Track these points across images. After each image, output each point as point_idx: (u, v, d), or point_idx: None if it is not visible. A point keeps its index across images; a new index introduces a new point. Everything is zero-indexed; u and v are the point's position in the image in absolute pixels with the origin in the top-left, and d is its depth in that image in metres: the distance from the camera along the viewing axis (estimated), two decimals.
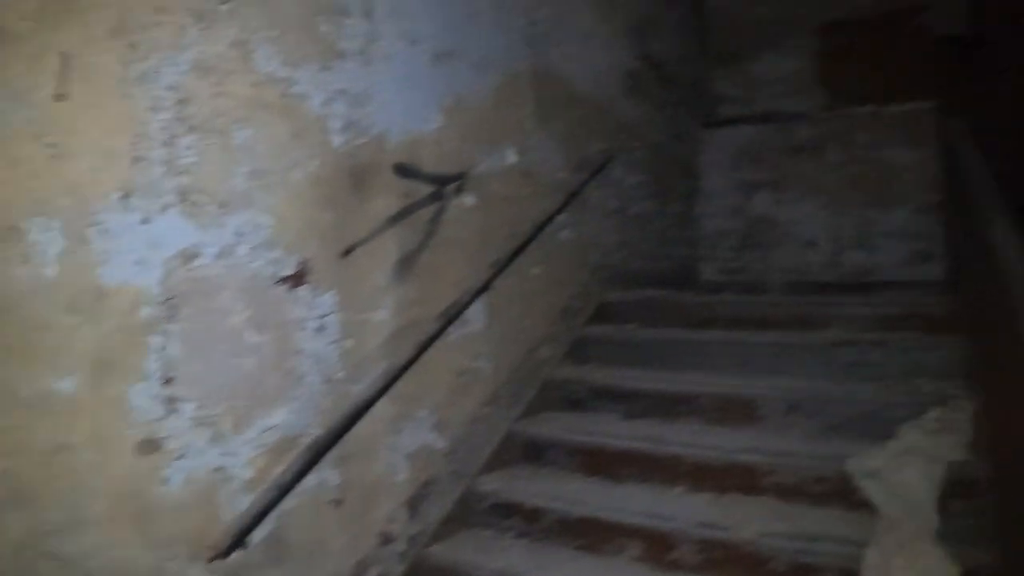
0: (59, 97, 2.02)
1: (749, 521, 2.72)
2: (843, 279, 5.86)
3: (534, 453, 3.48)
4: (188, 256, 2.24)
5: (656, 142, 5.45)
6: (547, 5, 3.99)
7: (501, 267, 3.24)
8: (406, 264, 2.94)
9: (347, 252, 2.72)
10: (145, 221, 2.16)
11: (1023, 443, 2.22)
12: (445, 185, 3.08)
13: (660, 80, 5.61)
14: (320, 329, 2.61)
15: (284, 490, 2.30)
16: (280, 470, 2.35)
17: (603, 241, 4.48)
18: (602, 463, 3.28)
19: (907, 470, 2.66)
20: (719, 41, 7.11)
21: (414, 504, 3.01)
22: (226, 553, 2.16)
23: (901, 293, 4.46)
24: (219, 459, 2.30)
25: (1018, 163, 3.47)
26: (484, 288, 3.13)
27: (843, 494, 2.81)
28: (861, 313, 3.84)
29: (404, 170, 2.92)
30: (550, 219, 3.67)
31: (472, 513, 3.22)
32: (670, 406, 3.47)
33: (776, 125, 6.27)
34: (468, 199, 3.20)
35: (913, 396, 3.15)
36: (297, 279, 2.54)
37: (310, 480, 2.44)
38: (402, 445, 2.96)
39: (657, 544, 2.83)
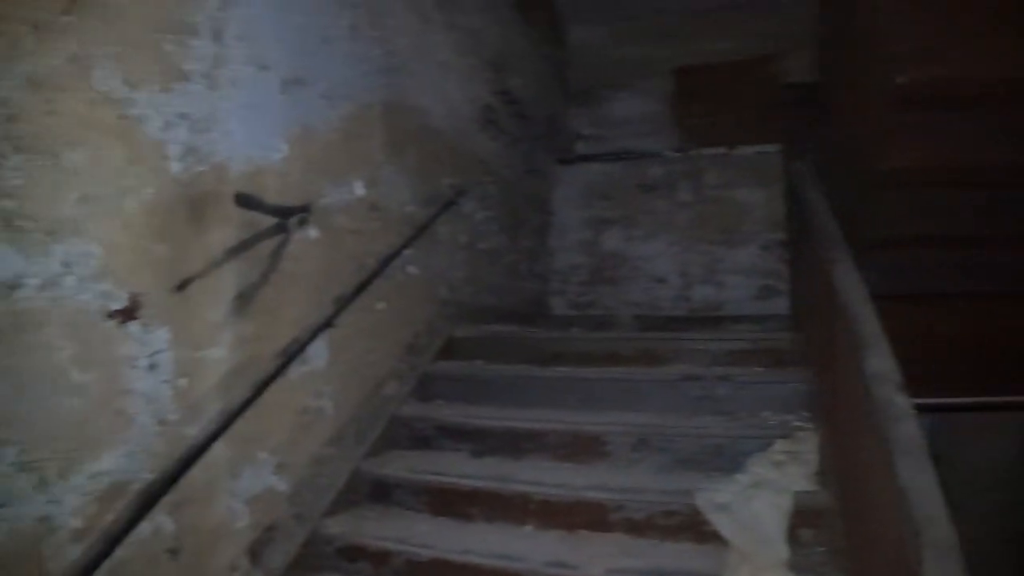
0: None
1: (599, 558, 2.89)
2: (692, 313, 6.30)
3: (381, 493, 3.55)
4: (9, 287, 2.20)
5: (510, 177, 5.68)
6: (405, 35, 4.14)
7: (345, 303, 3.32)
8: (245, 299, 2.97)
9: (182, 285, 2.71)
10: None
11: (865, 473, 2.42)
12: (288, 217, 3.13)
13: (517, 116, 5.86)
14: (152, 367, 2.59)
15: (115, 540, 2.25)
16: (111, 519, 2.31)
17: (452, 276, 4.64)
18: (450, 503, 3.39)
19: (756, 502, 2.91)
20: (578, 79, 7.52)
21: (256, 550, 3.01)
22: None
23: (749, 327, 4.84)
24: (45, 507, 2.23)
25: (848, 202, 3.85)
26: (327, 324, 3.19)
27: (693, 528, 3.02)
28: (708, 348, 4.14)
29: (246, 200, 2.94)
30: (397, 253, 3.80)
31: (318, 557, 3.25)
32: (518, 443, 3.64)
33: (629, 163, 6.68)
34: (312, 232, 3.26)
35: (760, 429, 3.44)
36: (128, 313, 2.51)
37: (144, 528, 2.40)
38: (242, 489, 2.95)
39: None
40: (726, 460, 3.37)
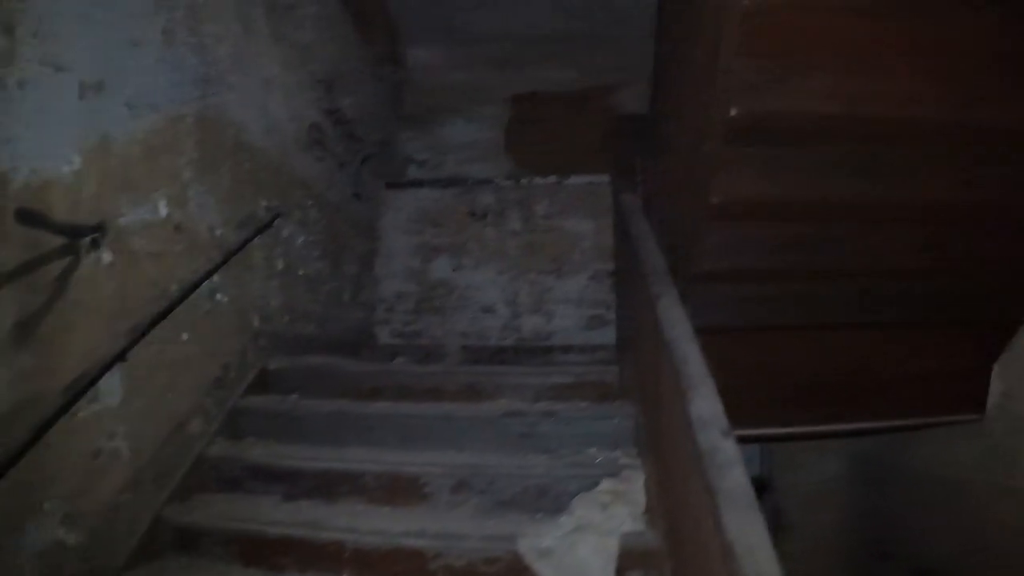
0: None
1: None
2: (521, 343, 6.31)
3: (187, 542, 3.27)
4: None
5: (335, 200, 5.51)
6: (226, 44, 3.92)
7: (142, 333, 3.03)
8: (25, 328, 2.67)
9: None
10: None
11: (692, 516, 2.37)
12: (79, 237, 2.85)
13: (347, 136, 5.71)
14: None
15: None
16: None
17: (267, 304, 4.41)
18: (260, 552, 3.16)
19: (580, 547, 2.87)
20: (412, 103, 7.45)
21: None
22: None
23: (578, 357, 4.87)
24: None
25: (676, 235, 3.94)
26: (119, 357, 2.90)
27: (520, 574, 2.95)
28: (533, 383, 4.13)
29: (29, 217, 2.63)
30: (203, 280, 3.56)
31: None
32: (332, 486, 3.47)
33: (460, 190, 6.65)
34: (106, 255, 2.98)
35: (585, 467, 3.43)
36: None
37: None
38: (26, 544, 2.64)
39: None
40: (550, 501, 3.34)
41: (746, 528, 1.75)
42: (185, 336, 3.52)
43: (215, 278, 3.73)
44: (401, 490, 3.42)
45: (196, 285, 3.46)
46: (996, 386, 4.73)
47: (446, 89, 7.48)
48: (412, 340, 6.56)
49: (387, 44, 7.03)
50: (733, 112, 3.14)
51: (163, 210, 3.34)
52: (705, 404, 2.24)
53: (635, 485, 3.25)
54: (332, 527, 3.16)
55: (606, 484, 3.25)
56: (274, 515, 3.30)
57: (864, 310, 4.34)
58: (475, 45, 7.34)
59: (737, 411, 2.25)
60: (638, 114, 5.02)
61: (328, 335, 5.40)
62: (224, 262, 3.71)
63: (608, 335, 6.20)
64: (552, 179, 6.63)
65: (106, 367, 2.82)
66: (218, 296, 3.82)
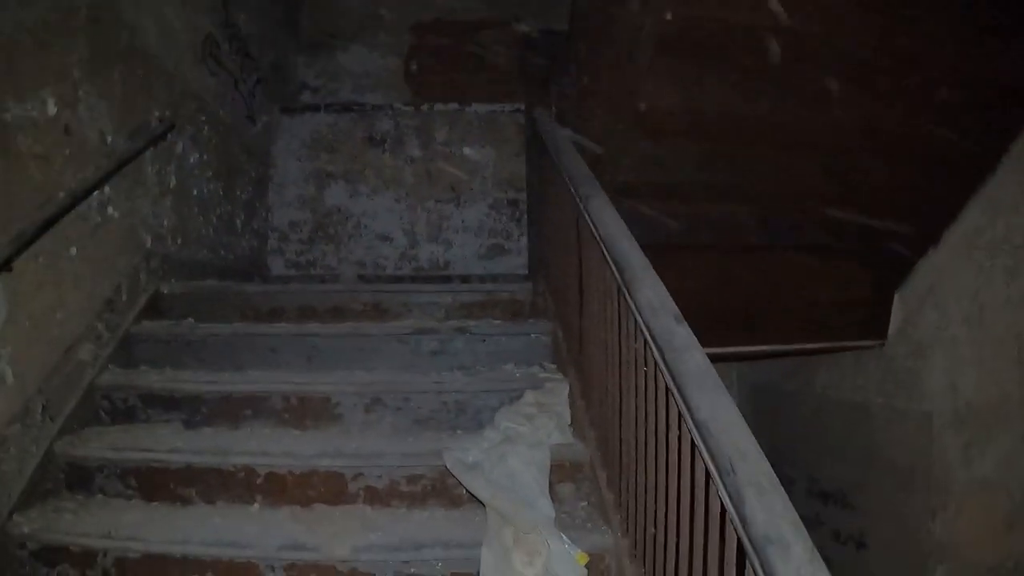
0: None
1: (341, 536, 2.59)
2: (418, 273, 6.15)
3: (81, 479, 2.97)
4: None
5: (228, 120, 5.16)
6: None
7: (26, 241, 2.70)
8: None
9: None
10: None
11: (631, 419, 2.35)
12: None
13: (240, 54, 5.33)
14: None
15: None
16: None
17: (159, 224, 4.08)
18: (163, 485, 2.91)
19: (510, 459, 2.74)
20: (309, 27, 7.06)
21: None
22: None
23: (478, 284, 4.74)
24: None
25: (593, 150, 3.86)
26: (3, 266, 2.58)
27: (442, 493, 2.85)
28: (440, 301, 3.99)
29: None
30: (94, 188, 3.23)
31: (8, 562, 2.63)
32: (236, 410, 3.25)
33: (356, 115, 6.38)
34: None
35: (503, 382, 3.33)
36: None
37: None
38: None
39: None
40: (469, 418, 3.25)
41: (718, 407, 1.67)
42: (73, 251, 3.19)
43: (106, 189, 3.41)
44: (311, 411, 3.24)
45: (87, 193, 3.14)
46: (897, 313, 4.88)
47: (343, 15, 7.10)
48: (306, 270, 6.29)
49: None
50: (668, 16, 3.09)
51: (51, 108, 2.98)
52: (653, 292, 2.16)
53: (559, 397, 3.18)
54: (240, 452, 2.94)
55: (530, 396, 3.16)
56: (174, 443, 3.03)
57: (769, 234, 4.36)
58: None
59: None
60: (552, 30, 4.81)
61: (221, 263, 5.09)
62: (116, 171, 3.38)
63: (508, 264, 6.13)
64: (453, 106, 6.41)
65: None
66: (109, 210, 3.49)
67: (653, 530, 2.17)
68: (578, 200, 2.96)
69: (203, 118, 4.67)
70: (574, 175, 3.14)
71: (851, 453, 5.20)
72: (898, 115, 3.80)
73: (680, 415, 1.83)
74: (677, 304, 2.17)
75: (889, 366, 4.91)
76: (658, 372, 2.00)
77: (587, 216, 2.83)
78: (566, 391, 3.21)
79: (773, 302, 4.65)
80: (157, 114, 3.95)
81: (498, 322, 3.78)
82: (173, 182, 4.25)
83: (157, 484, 2.92)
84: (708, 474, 1.66)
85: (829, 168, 4.09)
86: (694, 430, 1.70)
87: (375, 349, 3.59)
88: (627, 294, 2.26)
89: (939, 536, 4.53)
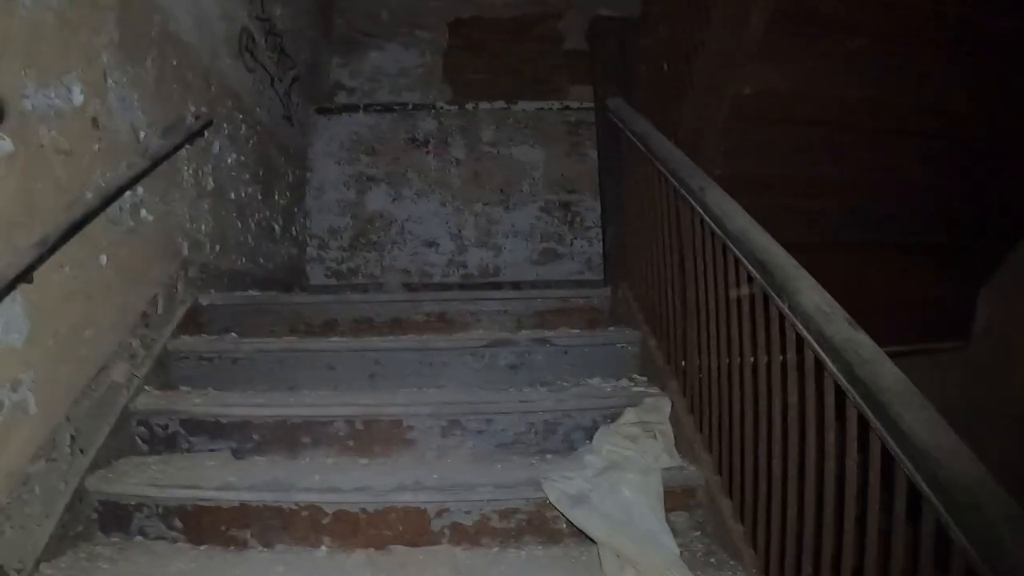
0: None
1: None
2: (467, 280, 5.74)
3: (117, 519, 2.51)
4: None
5: (265, 120, 4.74)
6: None
7: (51, 247, 2.25)
8: None
9: None
10: None
11: (747, 447, 2.11)
12: None
13: (277, 50, 4.91)
14: None
15: None
16: None
17: (196, 229, 3.67)
18: (213, 526, 2.46)
19: (622, 489, 2.30)
20: (343, 25, 6.65)
21: None
22: None
23: (551, 290, 4.34)
24: None
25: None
26: (23, 276, 2.13)
27: (539, 527, 2.41)
28: (510, 309, 3.56)
29: None
30: (126, 188, 2.80)
31: None
32: (293, 437, 2.80)
33: (397, 115, 5.97)
34: (5, 144, 2.20)
35: (597, 399, 2.89)
36: None
37: None
38: None
39: None
40: (559, 440, 2.81)
41: (932, 426, 1.37)
42: (104, 259, 2.77)
43: (139, 190, 2.99)
44: (380, 437, 2.79)
45: (118, 193, 2.71)
46: (983, 311, 4.44)
47: (378, 13, 6.69)
48: (348, 279, 5.86)
49: None
50: None
51: (77, 97, 2.54)
52: (820, 296, 1.81)
53: (662, 414, 2.73)
54: (302, 487, 2.48)
55: (631, 414, 2.70)
56: (224, 478, 2.57)
57: (860, 230, 4.00)
58: None
59: None
60: (626, 18, 4.34)
61: (260, 272, 4.67)
62: (150, 169, 2.95)
63: (561, 270, 5.71)
64: (499, 104, 5.97)
65: (6, 289, 2.07)
66: (142, 213, 3.07)
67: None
68: (685, 194, 2.58)
69: (240, 116, 4.25)
70: (676, 166, 2.75)
71: None
72: (1010, 96, 3.40)
73: (882, 441, 1.48)
74: None
75: (973, 366, 4.48)
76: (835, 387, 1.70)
77: (700, 211, 2.46)
78: (668, 407, 2.77)
79: (861, 302, 4.23)
80: (193, 109, 3.53)
81: (576, 331, 3.34)
82: (211, 184, 3.83)
83: (206, 525, 2.46)
84: (942, 522, 1.29)
85: (929, 154, 3.71)
86: (906, 461, 1.38)
87: (444, 364, 3.15)
88: (777, 299, 1.93)
89: None
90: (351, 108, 6.06)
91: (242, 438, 2.82)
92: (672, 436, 2.68)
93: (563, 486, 2.34)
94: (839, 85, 3.21)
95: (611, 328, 3.41)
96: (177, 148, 3.24)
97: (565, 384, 3.05)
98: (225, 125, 4.02)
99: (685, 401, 2.77)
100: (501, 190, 5.90)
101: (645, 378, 3.11)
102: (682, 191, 2.64)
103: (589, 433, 2.75)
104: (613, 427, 2.66)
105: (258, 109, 4.61)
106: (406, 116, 5.98)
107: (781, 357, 1.99)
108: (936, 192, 3.93)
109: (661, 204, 2.99)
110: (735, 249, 2.21)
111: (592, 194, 5.78)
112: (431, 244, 5.87)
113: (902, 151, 3.66)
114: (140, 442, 2.86)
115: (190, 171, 3.56)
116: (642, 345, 3.21)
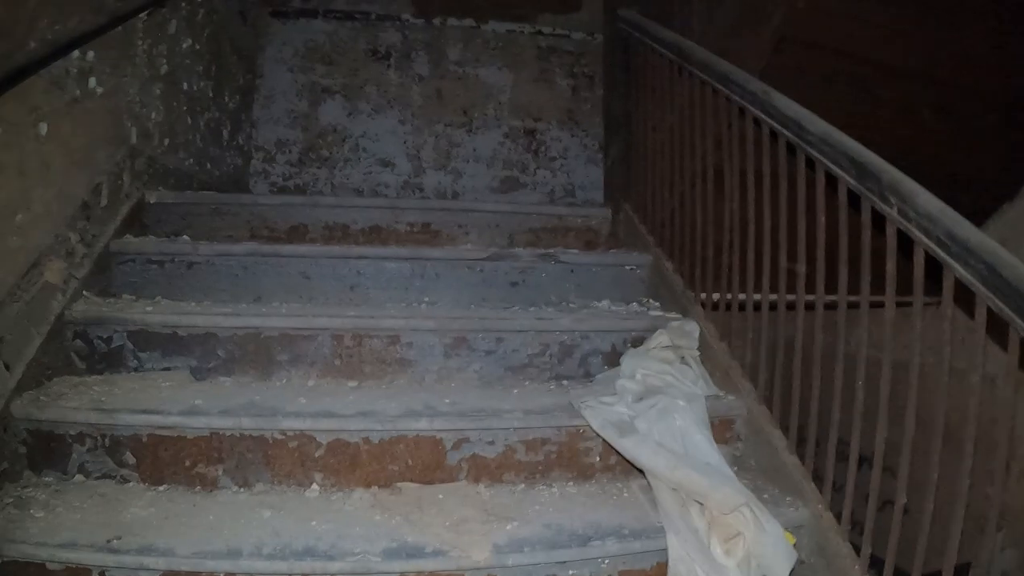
0: None
1: (470, 531, 1.72)
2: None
3: (52, 454, 2.01)
4: None
5: (221, 10, 4.12)
6: None
7: None
8: None
9: None
10: None
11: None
12: None
13: None
14: None
15: None
16: None
17: (146, 116, 3.09)
18: (175, 461, 1.97)
19: (673, 416, 1.95)
20: None
21: None
22: None
23: (548, 207, 3.97)
24: None
25: None
26: None
27: (569, 461, 2.04)
28: (503, 224, 3.16)
29: None
30: (77, 43, 2.24)
31: None
32: (267, 354, 2.33)
33: (359, 24, 5.36)
34: None
35: (613, 320, 2.54)
36: None
37: None
38: None
39: None
40: (575, 365, 2.44)
41: None
42: (44, 128, 2.21)
43: (89, 54, 2.42)
44: (371, 357, 2.34)
45: (68, 47, 2.15)
46: None
47: None
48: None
49: None
50: None
51: None
52: (930, 198, 1.58)
53: (691, 339, 2.38)
54: (285, 411, 2.01)
55: (663, 337, 2.34)
56: (188, 401, 2.06)
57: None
58: None
59: None
60: None
61: (206, 176, 4.09)
62: (106, 28, 2.39)
63: (521, 200, 5.26)
64: (468, 22, 5.42)
65: None
66: (91, 82, 2.49)
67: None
68: (743, 101, 2.24)
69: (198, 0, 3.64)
70: (726, 71, 2.36)
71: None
72: None
73: None
74: None
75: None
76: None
77: (765, 117, 2.13)
78: (697, 332, 2.43)
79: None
80: None
81: (576, 251, 2.95)
82: (164, 67, 3.23)
83: (166, 460, 1.98)
84: None
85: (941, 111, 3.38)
86: None
87: (437, 277, 2.71)
88: (879, 203, 1.70)
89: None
90: (308, 13, 5.39)
91: (204, 355, 2.34)
92: (702, 365, 2.35)
93: (602, 412, 1.96)
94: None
95: (610, 251, 3.04)
96: (135, 12, 2.66)
97: (572, 305, 2.68)
98: (183, 5, 3.41)
99: (713, 327, 2.45)
100: (464, 112, 5.38)
101: (658, 303, 2.78)
102: (735, 98, 2.27)
103: (608, 359, 2.42)
104: (644, 350, 2.32)
105: None
106: (368, 26, 5.36)
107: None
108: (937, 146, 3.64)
109: (694, 117, 2.59)
110: (816, 154, 1.90)
111: (559, 124, 5.37)
112: (387, 164, 5.32)
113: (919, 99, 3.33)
114: (77, 358, 2.34)
115: (144, 47, 2.97)
116: (652, 268, 2.88)
